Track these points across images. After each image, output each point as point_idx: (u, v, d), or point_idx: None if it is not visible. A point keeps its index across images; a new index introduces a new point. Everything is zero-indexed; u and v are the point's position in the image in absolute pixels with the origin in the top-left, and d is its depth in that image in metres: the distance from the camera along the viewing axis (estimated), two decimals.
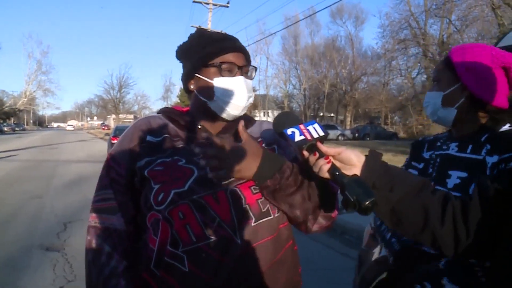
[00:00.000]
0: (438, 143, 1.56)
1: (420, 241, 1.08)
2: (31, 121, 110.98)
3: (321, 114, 52.40)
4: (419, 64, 34.83)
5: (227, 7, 28.65)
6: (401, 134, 37.20)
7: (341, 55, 49.91)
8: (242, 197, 1.14)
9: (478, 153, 1.34)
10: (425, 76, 36.50)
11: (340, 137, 34.04)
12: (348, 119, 48.78)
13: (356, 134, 34.93)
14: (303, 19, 43.15)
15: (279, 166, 1.12)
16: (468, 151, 1.38)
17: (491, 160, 1.30)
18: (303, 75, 52.45)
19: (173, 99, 62.32)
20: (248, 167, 1.09)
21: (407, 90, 37.98)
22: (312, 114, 51.19)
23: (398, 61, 35.32)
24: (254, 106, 50.27)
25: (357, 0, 64.66)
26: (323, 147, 1.06)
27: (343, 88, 48.61)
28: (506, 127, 1.36)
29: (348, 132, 36.02)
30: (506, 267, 0.95)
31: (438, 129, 34.58)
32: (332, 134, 33.56)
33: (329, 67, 50.04)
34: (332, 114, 55.79)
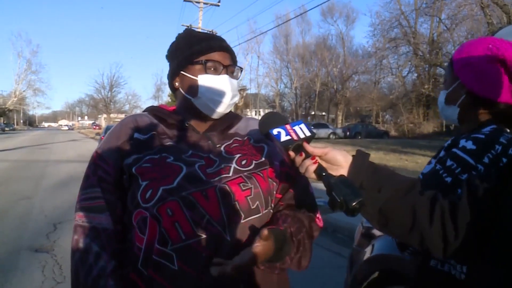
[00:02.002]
0: None
1: (407, 242, 1.07)
2: (21, 121, 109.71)
3: (313, 112, 52.52)
4: (409, 63, 35.07)
5: (218, 6, 28.62)
6: (392, 133, 37.39)
7: (332, 53, 50.06)
8: (232, 193, 1.13)
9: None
10: (415, 74, 36.79)
11: (331, 136, 34.17)
12: (340, 117, 48.91)
13: (348, 133, 35.00)
14: (294, 18, 43.34)
15: (288, 252, 1.15)
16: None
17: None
18: (294, 74, 52.57)
19: (164, 99, 62.09)
20: (259, 261, 1.06)
21: (398, 88, 38.22)
22: (303, 113, 51.36)
23: (388, 60, 35.62)
24: (245, 105, 50.26)
25: None
26: (310, 147, 1.04)
27: (334, 87, 48.76)
28: (487, 128, 1.31)
29: (339, 131, 36.11)
30: (495, 267, 0.94)
31: (429, 128, 34.77)
32: (324, 132, 33.65)
33: (320, 65, 50.17)
34: (324, 113, 55.91)
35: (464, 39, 28.38)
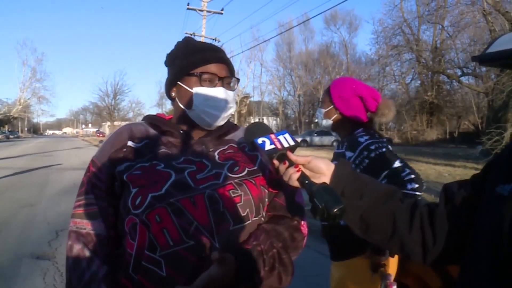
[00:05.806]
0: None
1: (388, 248, 1.09)
2: (26, 129, 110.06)
3: (316, 120, 52.28)
4: (412, 70, 34.98)
5: (221, 13, 28.70)
6: (396, 140, 37.28)
7: (335, 61, 49.98)
8: (220, 201, 1.15)
9: (342, 148, 2.17)
10: (419, 81, 36.70)
11: (334, 143, 34.05)
12: None
13: None
14: (296, 25, 43.38)
15: (255, 270, 1.13)
16: (343, 148, 2.17)
17: (348, 154, 2.09)
18: (298, 81, 52.51)
19: (168, 106, 62.06)
20: (220, 283, 1.05)
21: (401, 96, 38.10)
22: (307, 120, 51.30)
23: (392, 67, 35.46)
24: (249, 112, 50.28)
25: (350, 6, 65.10)
26: (293, 156, 1.08)
27: None
28: (358, 131, 2.15)
29: None
30: (473, 272, 0.96)
31: (432, 135, 34.56)
32: (327, 140, 33.61)
33: (324, 73, 50.08)
34: None
35: (467, 46, 28.39)
